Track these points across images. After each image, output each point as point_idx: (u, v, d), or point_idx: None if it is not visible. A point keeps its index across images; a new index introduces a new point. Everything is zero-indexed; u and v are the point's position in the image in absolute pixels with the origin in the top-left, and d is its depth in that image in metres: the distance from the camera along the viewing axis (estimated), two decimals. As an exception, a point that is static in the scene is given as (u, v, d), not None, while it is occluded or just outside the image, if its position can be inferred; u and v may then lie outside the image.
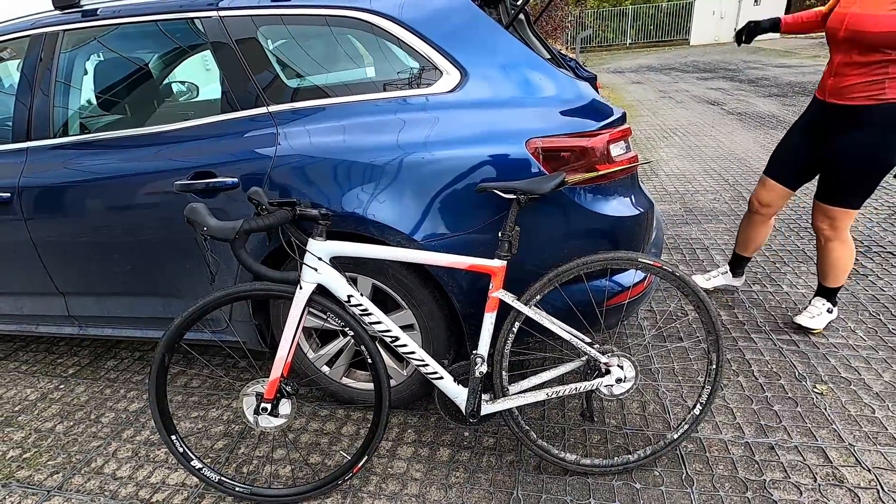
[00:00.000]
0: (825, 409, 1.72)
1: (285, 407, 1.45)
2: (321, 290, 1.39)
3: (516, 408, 1.49)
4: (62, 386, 2.21)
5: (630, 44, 20.13)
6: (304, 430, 1.83)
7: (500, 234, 1.36)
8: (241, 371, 2.21)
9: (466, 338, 1.66)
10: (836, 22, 1.78)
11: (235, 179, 1.60)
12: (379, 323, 1.39)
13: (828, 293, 2.14)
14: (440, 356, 1.69)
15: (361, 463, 1.50)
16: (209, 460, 1.73)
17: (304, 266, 1.36)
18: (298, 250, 1.36)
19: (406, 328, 1.70)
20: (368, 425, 1.84)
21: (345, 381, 1.88)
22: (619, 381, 1.42)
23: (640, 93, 9.16)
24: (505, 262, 1.37)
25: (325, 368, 1.87)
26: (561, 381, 1.89)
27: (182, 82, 1.83)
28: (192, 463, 1.49)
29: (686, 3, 18.87)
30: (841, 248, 2.00)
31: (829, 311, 2.15)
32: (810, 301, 2.20)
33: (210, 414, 1.96)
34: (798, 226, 3.17)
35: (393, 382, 1.82)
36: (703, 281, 2.48)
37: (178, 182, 1.64)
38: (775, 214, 2.22)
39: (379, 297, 1.71)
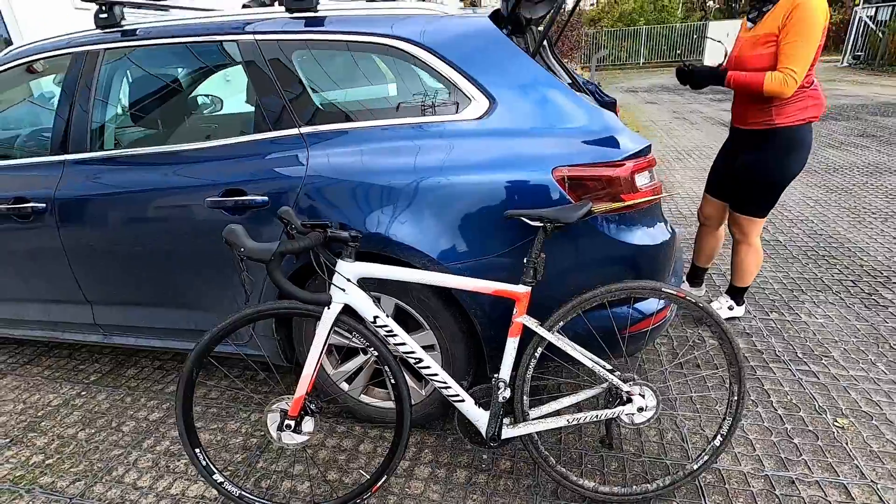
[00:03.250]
0: (846, 443, 1.70)
1: (308, 424, 1.46)
2: (347, 310, 1.41)
3: (536, 433, 1.50)
4: (84, 392, 2.25)
5: (643, 63, 20.25)
6: (321, 445, 1.85)
7: (525, 261, 1.38)
8: (261, 384, 2.23)
9: (487, 360, 1.67)
10: (729, 63, 2.12)
11: (265, 198, 1.64)
12: (403, 344, 1.41)
13: (734, 292, 2.45)
14: (459, 378, 1.70)
15: (380, 482, 1.51)
16: (228, 473, 1.75)
17: (332, 286, 1.38)
18: (328, 271, 1.39)
19: (426, 349, 1.72)
20: (386, 444, 1.85)
21: (363, 398, 1.90)
22: (640, 409, 1.43)
23: (654, 113, 9.19)
24: (530, 288, 1.39)
25: (345, 385, 1.89)
26: (579, 407, 1.89)
27: (214, 101, 1.88)
28: (213, 477, 1.51)
29: (700, 23, 18.98)
30: (748, 251, 2.28)
31: (730, 309, 2.46)
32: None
33: (229, 426, 1.98)
34: (816, 254, 3.15)
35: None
36: None
37: (209, 198, 1.68)
38: (720, 225, 2.44)
39: (400, 317, 1.73)
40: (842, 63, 15.47)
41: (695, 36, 19.17)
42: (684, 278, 2.69)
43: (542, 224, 1.36)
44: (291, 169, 1.62)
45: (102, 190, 1.82)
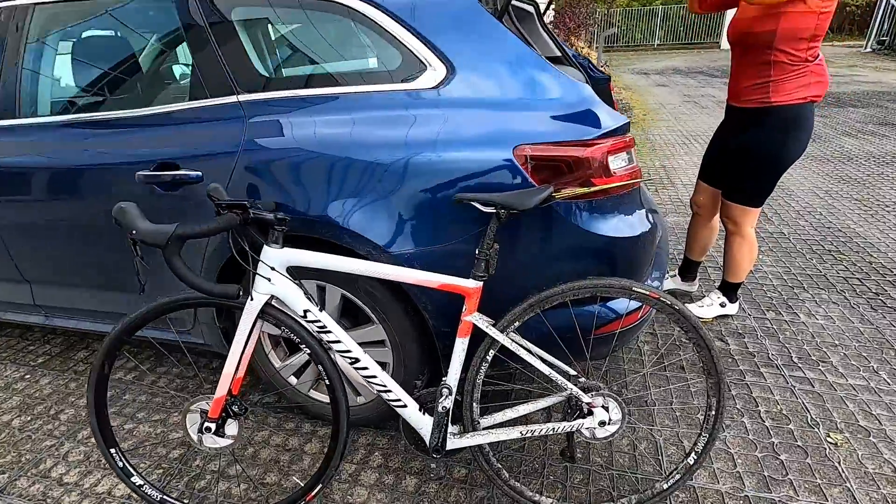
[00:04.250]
0: (839, 462, 1.53)
1: (232, 428, 1.32)
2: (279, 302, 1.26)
3: (488, 444, 1.34)
4: (28, 376, 2.12)
5: (658, 45, 19.64)
6: (266, 443, 1.71)
7: (476, 252, 1.21)
8: (216, 371, 2.10)
9: (441, 359, 1.51)
10: (730, 27, 1.89)
11: (199, 173, 1.47)
12: (338, 342, 1.25)
13: (727, 288, 2.26)
14: (413, 376, 1.55)
15: (315, 491, 1.37)
16: (161, 471, 1.62)
17: (256, 276, 1.22)
18: (252, 259, 1.22)
19: (377, 344, 1.56)
20: (334, 444, 1.70)
21: (313, 394, 1.75)
22: (602, 424, 1.26)
23: (663, 96, 8.85)
24: (480, 284, 1.22)
25: (293, 379, 1.74)
26: (536, 418, 1.73)
27: (150, 64, 1.70)
28: (132, 479, 1.38)
29: (719, 5, 18.27)
30: (741, 244, 2.10)
31: (722, 306, 2.28)
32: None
33: (172, 418, 1.85)
34: (822, 248, 2.95)
35: (362, 400, 1.69)
36: (697, 309, 2.30)
37: (142, 173, 1.51)
38: (714, 215, 2.25)
39: (351, 309, 1.57)
40: (865, 48, 14.86)
41: (713, 17, 18.50)
42: (676, 273, 2.51)
43: (494, 210, 1.18)
44: (227, 141, 1.45)
45: (28, 160, 1.66)
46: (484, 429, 1.33)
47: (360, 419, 1.71)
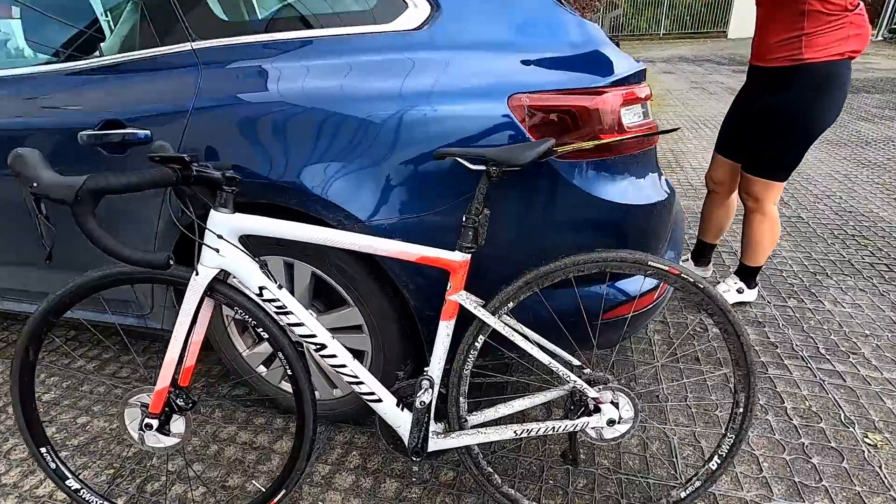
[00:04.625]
0: (880, 467, 1.34)
1: (178, 425, 1.13)
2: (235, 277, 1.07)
3: (477, 444, 1.15)
4: (-21, 365, 1.94)
5: (663, 34, 19.28)
6: (231, 440, 1.53)
7: (463, 219, 1.02)
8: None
9: (425, 346, 1.32)
10: None
11: (147, 132, 1.28)
12: (300, 325, 1.06)
13: (745, 273, 2.06)
14: (394, 366, 1.36)
15: (278, 498, 1.19)
16: (112, 471, 1.44)
17: (203, 246, 1.03)
18: (197, 227, 1.03)
19: (354, 329, 1.37)
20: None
21: (284, 385, 1.56)
22: (611, 422, 1.07)
23: (670, 82, 8.60)
24: (468, 256, 1.03)
25: (262, 369, 1.56)
26: (533, 415, 1.54)
27: (89, 10, 1.50)
28: (67, 483, 1.20)
29: (726, -7, 17.92)
30: (762, 222, 1.89)
31: (740, 292, 2.08)
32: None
33: (130, 412, 1.66)
34: (844, 233, 2.74)
35: (338, 393, 1.50)
36: None
37: (85, 133, 1.32)
38: (732, 193, 2.05)
39: (323, 289, 1.38)
40: (876, 37, 14.52)
41: (721, 6, 18.14)
42: (688, 257, 2.31)
43: (484, 168, 0.98)
44: (179, 95, 1.25)
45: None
46: (472, 427, 1.15)
47: (337, 414, 1.52)
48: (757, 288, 2.11)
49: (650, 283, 1.27)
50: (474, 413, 1.16)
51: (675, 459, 1.40)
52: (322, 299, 1.43)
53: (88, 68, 1.36)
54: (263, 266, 1.06)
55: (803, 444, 1.42)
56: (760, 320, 2.01)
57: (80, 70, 1.37)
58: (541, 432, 1.09)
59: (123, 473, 1.43)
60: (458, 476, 1.37)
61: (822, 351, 1.81)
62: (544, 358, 1.05)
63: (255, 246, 1.30)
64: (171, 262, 0.88)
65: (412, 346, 1.36)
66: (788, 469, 1.35)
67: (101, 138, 1.31)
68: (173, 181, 0.94)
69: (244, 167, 1.18)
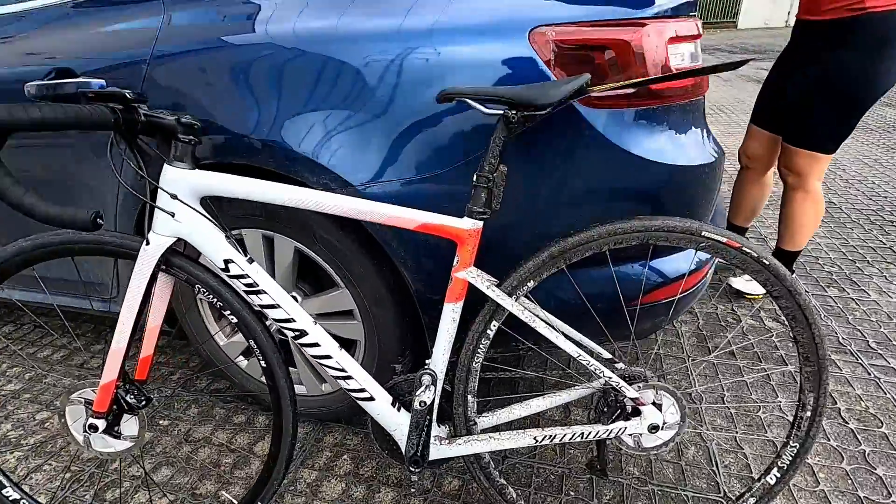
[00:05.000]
0: (959, 480, 1.15)
1: (131, 426, 0.95)
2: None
3: (488, 452, 0.96)
4: (-63, 354, 1.77)
5: (673, 24, 18.91)
6: (206, 441, 1.35)
7: (475, 178, 0.82)
8: (163, 350, 1.73)
9: (427, 335, 1.14)
10: None
11: (102, 82, 1.08)
12: (274, 307, 0.88)
13: (782, 258, 1.82)
14: (390, 358, 1.17)
15: (252, 512, 1.01)
16: (70, 475, 1.26)
17: (155, 210, 0.84)
18: (147, 185, 0.84)
19: (344, 315, 1.19)
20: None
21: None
22: (653, 428, 0.88)
23: (682, 70, 8.34)
24: (479, 224, 0.83)
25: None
26: (550, 416, 1.35)
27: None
28: (4, 492, 1.02)
29: (738, -18, 17.53)
30: (804, 200, 1.68)
31: None
32: None
33: (96, 408, 1.48)
34: (881, 218, 2.53)
35: (327, 388, 1.31)
36: (744, 284, 1.90)
37: (33, 84, 1.13)
38: (769, 169, 1.86)
39: (311, 269, 1.20)
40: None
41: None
42: None
43: (501, 112, 0.79)
44: (137, 39, 1.06)
45: None
46: (482, 432, 0.96)
47: (327, 413, 1.34)
48: (793, 276, 1.91)
49: (692, 261, 1.08)
50: (484, 414, 0.97)
51: (715, 468, 1.21)
52: (308, 281, 1.25)
53: (34, 8, 1.18)
54: (230, 236, 0.87)
55: (864, 451, 1.23)
56: (799, 311, 1.81)
57: (24, 12, 1.19)
58: (566, 439, 0.90)
59: (81, 478, 1.25)
60: (465, 486, 1.19)
61: (873, 345, 1.61)
62: (572, 349, 0.86)
63: (226, 218, 1.12)
64: (100, 223, 0.68)
65: (411, 334, 1.17)
66: (850, 481, 1.16)
67: (52, 89, 1.12)
68: (111, 123, 0.75)
69: (214, 122, 0.99)
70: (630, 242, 0.85)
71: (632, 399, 0.87)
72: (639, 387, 0.87)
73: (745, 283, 1.87)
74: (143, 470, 1.25)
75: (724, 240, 0.83)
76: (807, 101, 1.55)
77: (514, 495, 0.99)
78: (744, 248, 0.83)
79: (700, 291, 1.16)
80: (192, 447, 1.33)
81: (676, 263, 1.08)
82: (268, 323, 0.96)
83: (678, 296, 1.08)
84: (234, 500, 1.15)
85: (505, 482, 0.99)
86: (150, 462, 1.29)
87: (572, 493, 1.16)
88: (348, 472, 1.24)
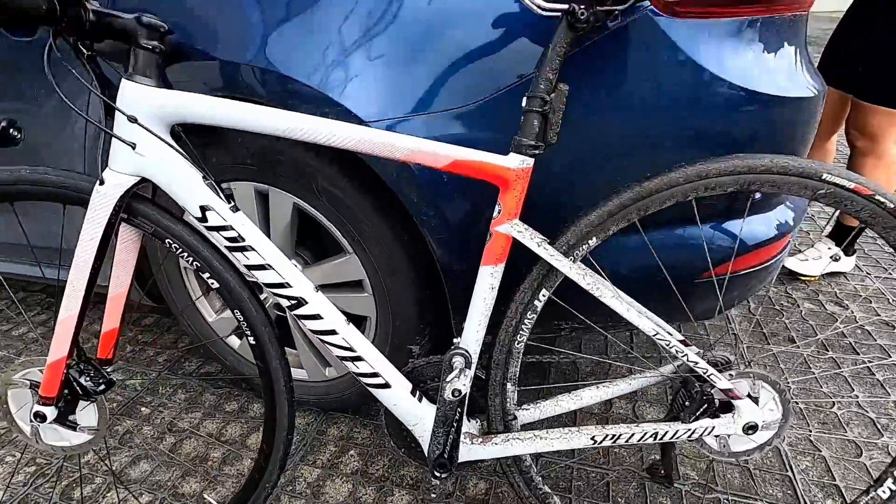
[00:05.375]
0: None
1: (88, 415, 0.77)
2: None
3: (529, 455, 0.78)
4: None
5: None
6: (193, 432, 1.17)
7: (524, 101, 0.63)
8: (145, 329, 1.56)
9: (452, 311, 0.94)
10: None
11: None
12: (264, 268, 0.69)
13: (844, 235, 1.64)
14: (406, 340, 0.99)
15: (239, 521, 0.83)
16: (35, 468, 1.09)
17: (112, 140, 0.65)
18: (103, 107, 0.65)
19: (352, 287, 1.00)
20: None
21: (263, 362, 1.20)
22: (749, 428, 0.69)
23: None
24: (530, 162, 0.64)
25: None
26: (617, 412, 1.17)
27: None
28: (-58, 491, 0.84)
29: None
30: (876, 167, 1.47)
31: (835, 260, 1.66)
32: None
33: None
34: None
35: (332, 373, 1.13)
36: (798, 264, 1.68)
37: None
38: (833, 133, 1.65)
39: (313, 233, 1.01)
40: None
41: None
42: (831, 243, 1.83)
43: (565, 7, 0.59)
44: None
45: None
46: (523, 427, 0.77)
47: (331, 402, 1.16)
48: (855, 256, 1.70)
49: (778, 223, 0.89)
50: (525, 407, 0.79)
51: (790, 473, 1.02)
52: (309, 246, 1.06)
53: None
54: (209, 177, 0.68)
55: (968, 456, 1.04)
56: (862, 294, 1.61)
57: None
58: (634, 440, 0.71)
59: (48, 472, 1.08)
60: (493, 489, 1.00)
61: (957, 333, 1.41)
62: (648, 326, 0.67)
63: (209, 170, 0.93)
64: (15, 136, 0.50)
65: (431, 311, 0.98)
66: (957, 492, 0.96)
67: None
68: (42, 13, 0.56)
69: (190, 44, 0.80)
70: (724, 189, 0.65)
71: (723, 390, 0.68)
72: (731, 374, 0.68)
73: (800, 264, 1.66)
74: (110, 467, 1.08)
75: (852, 185, 0.63)
76: (886, 53, 1.33)
77: (559, 505, 0.81)
78: (877, 196, 0.63)
79: (779, 266, 0.96)
80: (176, 438, 1.16)
81: (755, 227, 0.89)
82: (263, 296, 0.77)
83: (756, 267, 0.89)
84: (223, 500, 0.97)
85: (549, 490, 0.80)
86: (126, 455, 1.11)
87: (621, 501, 0.98)
88: (356, 470, 1.06)
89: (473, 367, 0.71)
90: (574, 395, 0.79)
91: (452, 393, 0.69)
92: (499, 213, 0.66)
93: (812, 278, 1.67)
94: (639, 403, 1.19)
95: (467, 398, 0.74)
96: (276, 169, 0.90)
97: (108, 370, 0.78)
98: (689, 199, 0.66)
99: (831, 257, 1.67)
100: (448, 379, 0.69)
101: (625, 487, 1.00)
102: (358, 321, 1.04)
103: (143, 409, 1.24)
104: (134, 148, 0.65)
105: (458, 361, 0.69)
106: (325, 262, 1.00)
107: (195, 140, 0.70)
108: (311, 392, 1.16)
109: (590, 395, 0.79)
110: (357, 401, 1.14)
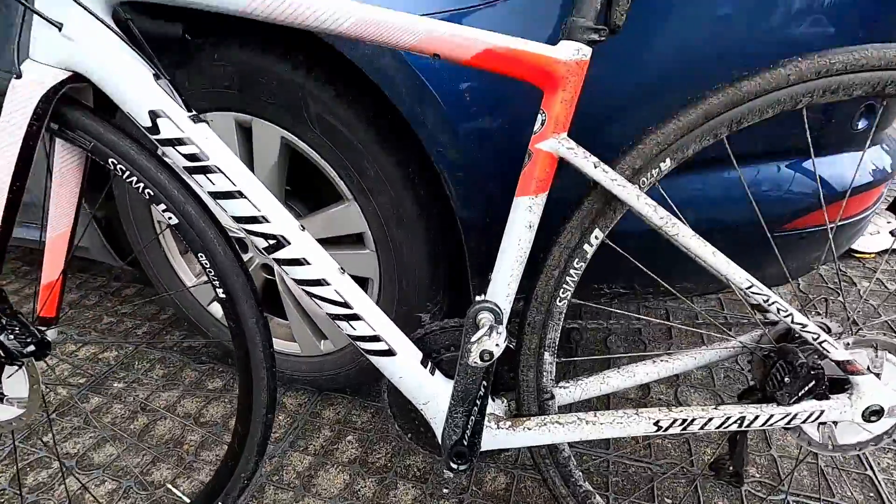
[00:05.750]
0: None
1: (17, 384, 0.62)
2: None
3: (568, 443, 0.62)
4: None
5: None
6: (169, 411, 1.03)
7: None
8: (128, 304, 1.41)
9: (470, 270, 0.78)
10: None
11: None
12: (233, 196, 0.53)
13: None
14: (415, 305, 0.83)
15: (209, 517, 0.68)
16: (-14, 450, 0.95)
17: (33, 18, 0.49)
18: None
19: (352, 242, 0.84)
20: (281, 416, 1.01)
21: (250, 334, 1.05)
22: (872, 413, 0.52)
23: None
24: (587, 53, 0.47)
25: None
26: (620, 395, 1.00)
27: None
28: None
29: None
30: None
31: (894, 235, 1.49)
32: None
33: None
34: None
35: (328, 346, 0.97)
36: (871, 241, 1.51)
37: None
38: None
39: (305, 174, 0.85)
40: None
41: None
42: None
43: None
44: None
45: None
46: (561, 410, 0.61)
47: (326, 379, 1.00)
48: (915, 231, 1.52)
49: (873, 166, 0.72)
50: (564, 385, 0.62)
51: (870, 472, 0.86)
52: (302, 195, 0.90)
53: None
54: (162, 75, 0.52)
55: None
56: (926, 273, 1.43)
57: None
58: (712, 426, 0.55)
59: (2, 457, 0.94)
60: (515, 484, 0.85)
61: None
62: (740, 276, 0.50)
63: (180, 94, 0.77)
64: None
65: (446, 271, 0.82)
66: None
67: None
68: None
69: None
70: (849, 92, 0.48)
71: (839, 363, 0.51)
72: (847, 341, 0.52)
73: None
74: (54, 448, 0.93)
75: None
76: None
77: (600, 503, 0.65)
78: None
79: (869, 219, 0.79)
80: (149, 419, 1.01)
81: (840, 168, 0.71)
82: (248, 256, 0.61)
83: (852, 218, 0.72)
84: (186, 500, 0.82)
85: (591, 489, 0.64)
86: (91, 436, 0.97)
87: (668, 501, 0.82)
88: (353, 459, 0.91)
89: (504, 324, 0.55)
90: (625, 370, 0.63)
91: (481, 356, 0.52)
92: (542, 124, 0.50)
93: (869, 255, 1.50)
94: (681, 388, 1.04)
95: (495, 369, 0.58)
96: (260, 94, 0.73)
97: (48, 331, 0.63)
98: (800, 107, 0.49)
99: (891, 232, 1.49)
100: (473, 339, 0.52)
101: (671, 484, 0.85)
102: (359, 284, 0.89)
103: (116, 384, 1.10)
104: (60, 29, 0.48)
105: (485, 317, 0.53)
106: (318, 212, 0.84)
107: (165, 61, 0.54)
108: (304, 368, 1.01)
109: (645, 372, 0.62)
110: (357, 379, 0.98)
